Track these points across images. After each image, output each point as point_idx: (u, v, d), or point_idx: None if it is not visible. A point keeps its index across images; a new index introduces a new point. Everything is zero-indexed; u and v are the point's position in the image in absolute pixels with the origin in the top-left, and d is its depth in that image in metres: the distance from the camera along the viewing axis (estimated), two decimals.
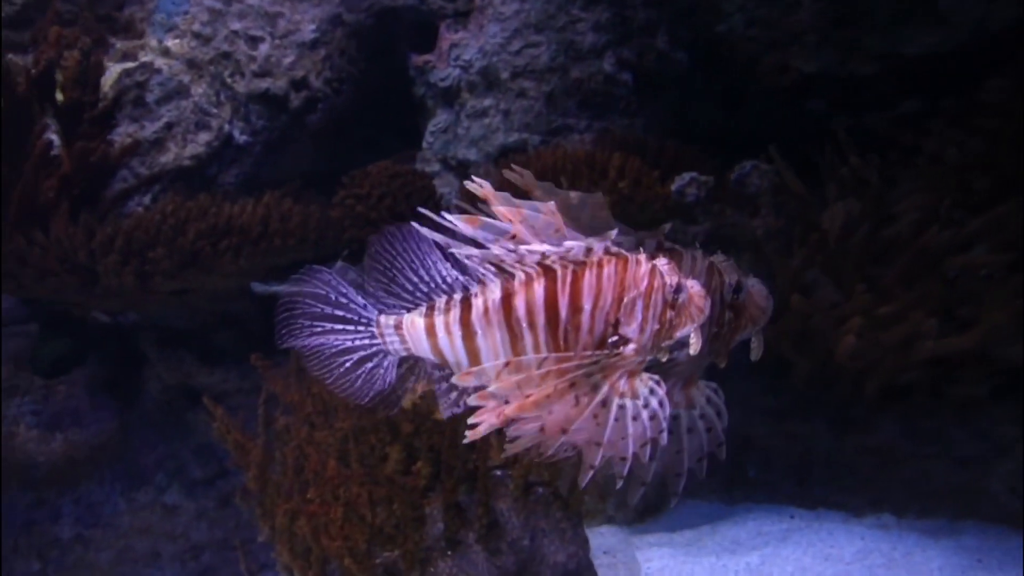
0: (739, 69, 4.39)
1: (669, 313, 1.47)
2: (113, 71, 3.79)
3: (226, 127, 3.75)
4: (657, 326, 1.46)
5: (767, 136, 4.03)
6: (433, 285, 1.58)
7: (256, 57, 3.72)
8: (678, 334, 1.48)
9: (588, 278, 1.43)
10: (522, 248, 1.40)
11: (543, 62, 3.58)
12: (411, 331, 1.56)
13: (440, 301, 1.54)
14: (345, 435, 2.16)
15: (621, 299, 1.44)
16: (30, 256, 2.78)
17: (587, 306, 1.44)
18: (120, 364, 3.41)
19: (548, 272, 1.44)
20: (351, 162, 4.11)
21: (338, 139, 4.06)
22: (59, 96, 3.29)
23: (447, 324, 1.51)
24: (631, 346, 1.43)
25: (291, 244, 2.80)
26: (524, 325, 1.45)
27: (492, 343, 1.48)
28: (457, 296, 1.52)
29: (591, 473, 1.42)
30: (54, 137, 3.18)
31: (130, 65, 3.81)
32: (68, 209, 2.93)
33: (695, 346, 1.46)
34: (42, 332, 3.44)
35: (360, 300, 1.64)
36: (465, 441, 1.42)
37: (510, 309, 1.46)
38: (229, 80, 3.74)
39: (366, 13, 3.87)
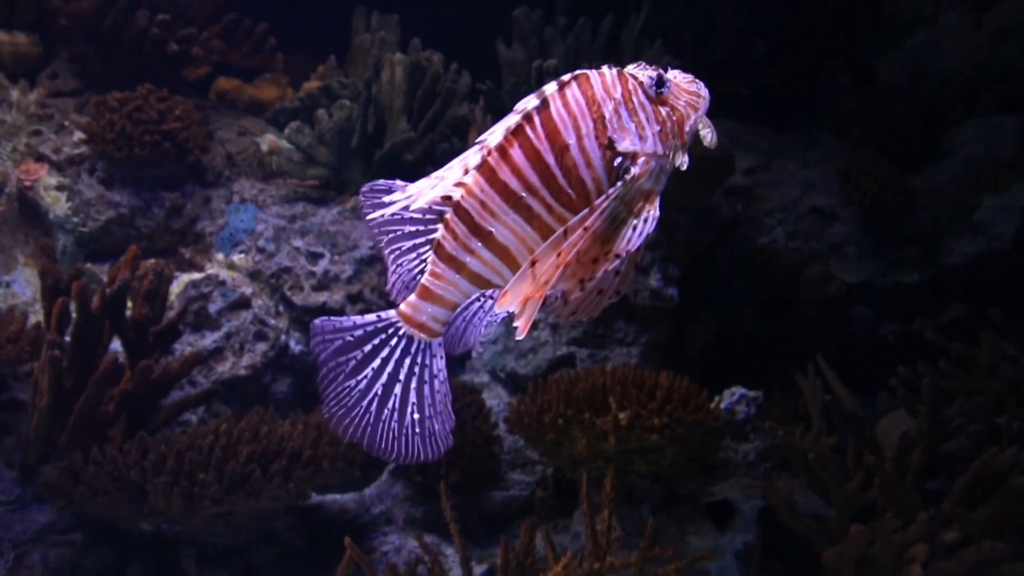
0: (783, 279, 4.46)
1: (663, 110, 1.31)
2: (180, 280, 4.00)
3: (283, 337, 3.88)
4: (657, 127, 1.31)
5: (814, 344, 4.04)
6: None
7: (315, 272, 3.90)
8: (687, 127, 1.32)
9: (555, 112, 1.28)
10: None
11: None
12: (441, 280, 1.38)
13: (435, 240, 1.38)
14: None
15: (602, 116, 1.29)
16: (84, 474, 2.83)
17: (571, 140, 1.29)
18: None
19: (516, 132, 1.28)
20: None
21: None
22: (128, 310, 3.46)
23: (463, 244, 1.34)
24: (639, 160, 1.29)
25: (340, 467, 2.81)
26: (524, 194, 1.30)
27: (510, 230, 1.32)
28: (446, 215, 1.35)
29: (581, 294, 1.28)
30: (119, 352, 3.31)
31: (196, 276, 4.01)
32: (125, 427, 3.01)
33: (710, 137, 1.32)
34: (85, 542, 3.44)
35: (372, 315, 1.46)
36: (519, 337, 1.28)
37: (502, 185, 1.30)
38: (288, 293, 3.90)
39: None
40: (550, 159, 1.28)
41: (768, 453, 3.28)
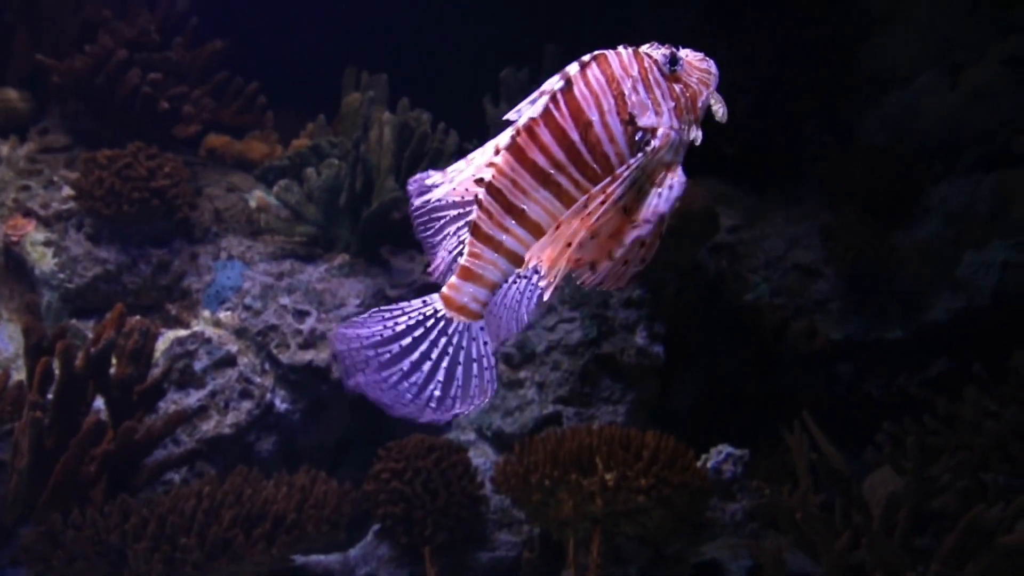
0: (769, 335, 4.49)
1: (677, 87, 1.38)
2: (166, 337, 3.98)
3: (268, 396, 3.86)
4: (672, 103, 1.37)
5: (800, 400, 4.05)
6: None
7: (302, 330, 3.90)
8: (700, 103, 1.39)
9: (579, 91, 1.35)
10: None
11: (576, 337, 3.71)
12: (480, 259, 1.42)
13: (471, 222, 1.42)
14: None
15: (621, 93, 1.36)
16: (63, 537, 2.78)
17: (594, 117, 1.35)
18: None
19: (544, 114, 1.35)
20: (386, 427, 4.16)
21: (375, 405, 4.13)
22: (112, 368, 3.44)
23: (497, 223, 1.39)
24: (659, 133, 1.35)
25: (325, 531, 2.78)
26: (552, 171, 1.36)
27: (541, 207, 1.38)
28: (479, 196, 1.40)
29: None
30: (102, 412, 3.28)
31: (182, 333, 4.00)
32: (106, 487, 2.97)
33: (721, 111, 1.39)
34: None
35: (413, 302, 1.48)
36: (546, 298, 1.32)
37: (531, 163, 1.36)
38: (275, 351, 3.90)
39: (408, 288, 4.09)
40: (575, 136, 1.35)
41: (755, 512, 3.26)
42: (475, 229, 1.42)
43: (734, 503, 3.27)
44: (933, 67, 5.05)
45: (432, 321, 1.46)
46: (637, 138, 1.36)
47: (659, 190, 1.35)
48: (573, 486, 2.87)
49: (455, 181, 1.40)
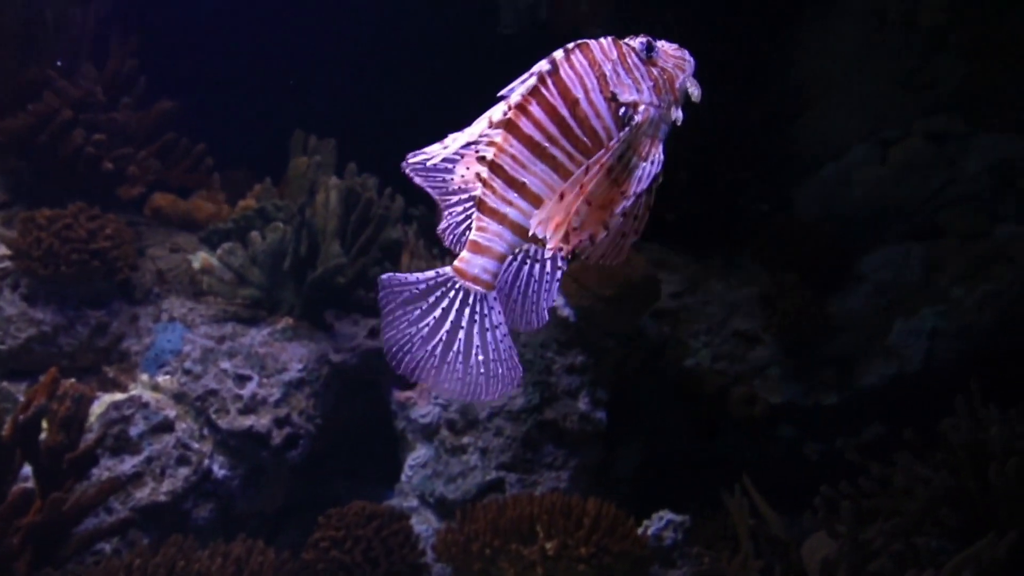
0: (710, 401, 4.56)
1: (654, 70, 1.52)
2: (102, 401, 3.89)
3: (206, 462, 3.78)
4: (651, 83, 1.51)
5: (741, 464, 4.10)
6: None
7: (242, 395, 3.85)
8: (677, 85, 1.51)
9: (564, 72, 1.48)
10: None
11: (519, 403, 3.73)
12: (487, 232, 1.52)
13: (477, 198, 1.53)
14: None
15: (603, 74, 1.49)
16: None
17: (579, 95, 1.48)
18: None
19: (533, 92, 1.48)
20: (329, 492, 4.09)
21: (317, 470, 4.08)
22: (43, 434, 3.34)
23: (501, 196, 1.50)
24: (640, 108, 1.48)
25: None
26: (547, 145, 1.48)
27: (540, 179, 1.50)
28: (484, 174, 1.52)
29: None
30: (30, 481, 3.18)
31: (119, 397, 3.91)
32: (31, 559, 2.86)
33: (696, 93, 1.52)
34: None
35: (431, 271, 1.57)
36: (550, 247, 1.43)
37: (527, 138, 1.48)
38: (214, 416, 3.83)
39: (352, 353, 4.07)
40: (564, 112, 1.48)
41: None
42: (481, 204, 1.53)
43: (675, 570, 3.28)
44: (864, 142, 5.28)
45: (450, 288, 1.56)
46: (621, 113, 1.49)
47: (644, 164, 1.49)
48: (514, 555, 2.86)
49: (452, 147, 1.51)
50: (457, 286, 1.54)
